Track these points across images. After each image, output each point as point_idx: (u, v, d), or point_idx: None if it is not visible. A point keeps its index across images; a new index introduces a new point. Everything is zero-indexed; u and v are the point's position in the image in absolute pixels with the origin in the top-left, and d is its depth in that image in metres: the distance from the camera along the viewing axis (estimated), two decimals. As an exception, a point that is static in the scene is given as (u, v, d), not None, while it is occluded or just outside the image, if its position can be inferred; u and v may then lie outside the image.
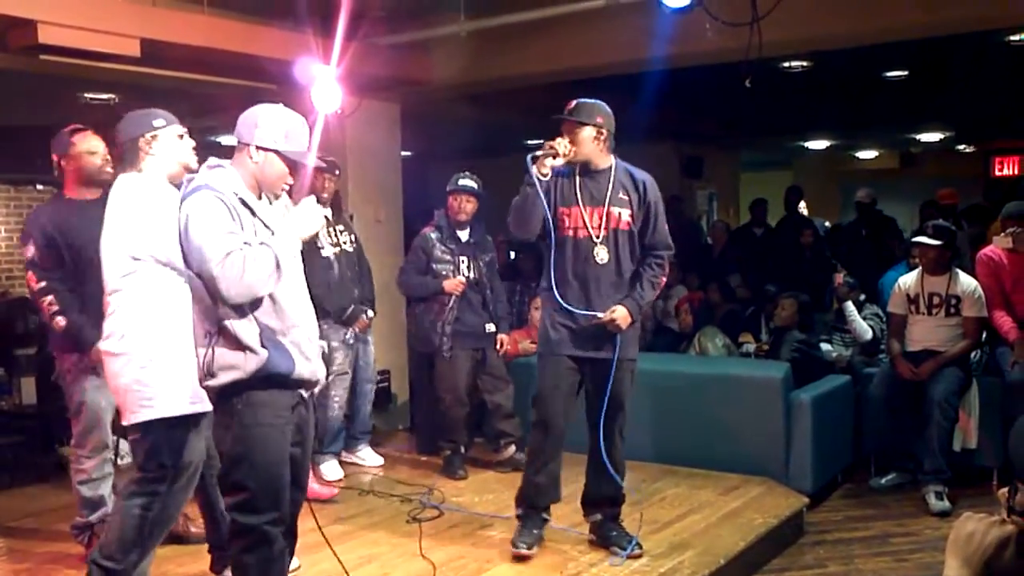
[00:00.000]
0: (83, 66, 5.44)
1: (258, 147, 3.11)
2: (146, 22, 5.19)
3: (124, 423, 3.61)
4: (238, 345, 3.01)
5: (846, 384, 6.27)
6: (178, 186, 3.31)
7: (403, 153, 7.85)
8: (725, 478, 5.56)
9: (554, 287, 4.20)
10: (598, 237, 4.21)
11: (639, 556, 4.30)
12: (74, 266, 4.13)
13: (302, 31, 5.87)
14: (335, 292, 5.53)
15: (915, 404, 5.77)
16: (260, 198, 3.18)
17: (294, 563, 3.79)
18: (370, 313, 5.79)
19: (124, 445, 4.91)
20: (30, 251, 4.14)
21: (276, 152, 3.12)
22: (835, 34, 5.86)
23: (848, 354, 6.82)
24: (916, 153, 16.31)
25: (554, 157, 4.10)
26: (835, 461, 6.06)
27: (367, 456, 6.10)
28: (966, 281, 5.86)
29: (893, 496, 5.85)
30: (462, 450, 5.87)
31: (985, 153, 15.07)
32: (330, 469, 5.70)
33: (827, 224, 11.99)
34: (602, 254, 4.22)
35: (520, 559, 4.31)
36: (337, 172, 5.62)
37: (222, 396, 3.07)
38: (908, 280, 6.06)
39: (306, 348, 3.18)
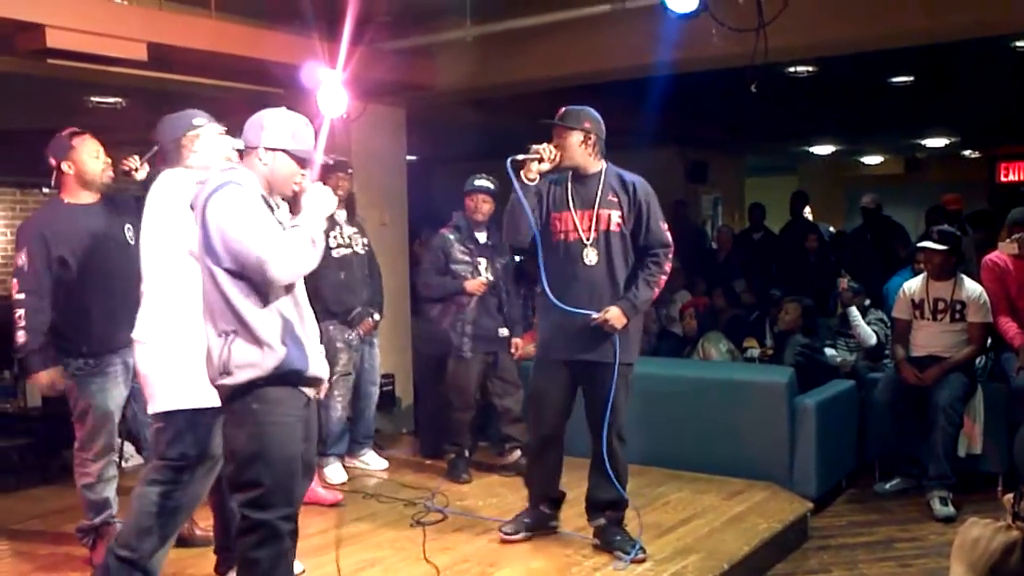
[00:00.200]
0: (90, 70, 5.46)
1: (266, 148, 3.16)
2: (153, 26, 5.21)
3: (149, 411, 3.65)
4: (257, 342, 3.04)
5: (850, 389, 6.27)
6: None
7: (408, 157, 7.87)
8: (729, 483, 5.56)
9: (547, 290, 4.25)
10: (588, 239, 4.28)
11: (643, 561, 4.30)
12: (77, 273, 4.14)
13: (308, 36, 5.88)
14: (342, 293, 5.55)
15: (920, 409, 5.77)
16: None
17: (298, 567, 3.79)
18: (376, 316, 5.80)
19: (128, 448, 4.93)
20: (20, 259, 4.14)
21: (285, 151, 3.17)
22: (840, 40, 5.87)
23: (852, 359, 6.81)
24: (921, 159, 16.32)
25: (539, 161, 4.19)
26: (839, 466, 6.05)
27: (371, 460, 6.10)
28: (971, 287, 5.86)
29: (897, 501, 5.85)
30: (466, 454, 5.88)
31: (991, 159, 15.08)
32: (334, 472, 5.70)
33: (831, 229, 11.99)
34: (591, 256, 4.28)
35: (506, 543, 4.56)
36: (350, 171, 5.63)
37: (236, 394, 3.08)
38: (913, 285, 6.06)
39: (316, 345, 3.25)
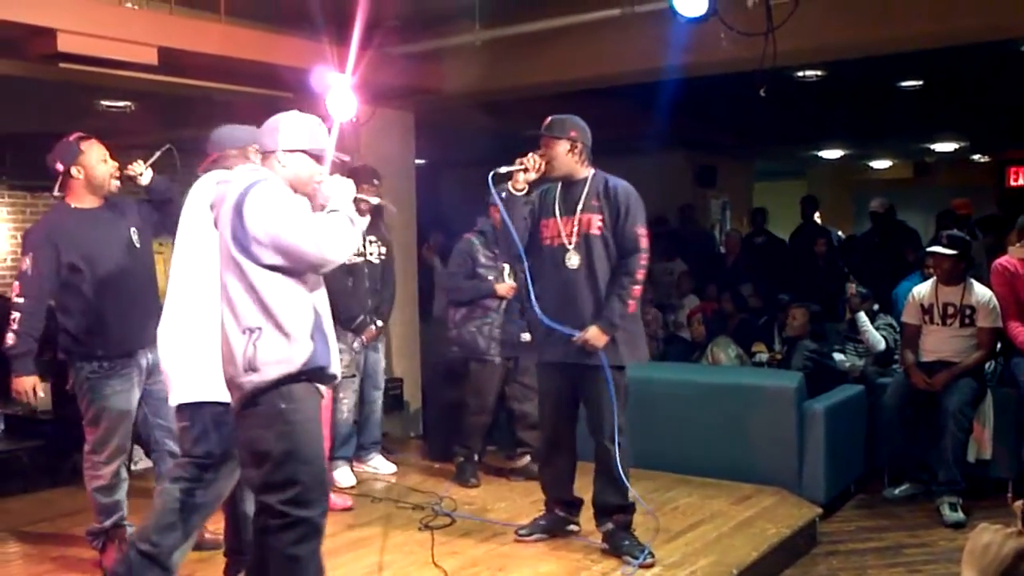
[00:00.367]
0: (100, 74, 5.49)
1: (285, 151, 3.19)
2: (163, 31, 5.23)
3: (173, 402, 3.68)
4: (287, 337, 3.07)
5: (859, 394, 6.26)
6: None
7: (417, 161, 7.88)
8: (738, 488, 5.56)
9: (534, 300, 4.35)
10: (570, 243, 4.36)
11: (651, 565, 4.30)
12: (89, 278, 4.16)
13: (317, 40, 5.90)
14: (347, 300, 5.55)
15: (929, 415, 5.75)
16: None
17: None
18: (379, 323, 5.80)
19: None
20: (25, 264, 4.15)
21: (303, 151, 3.21)
22: (849, 44, 5.86)
23: (861, 364, 6.80)
24: (930, 163, 16.27)
25: (525, 171, 4.32)
26: (848, 471, 6.04)
27: (379, 464, 6.11)
28: (981, 291, 5.84)
29: (906, 507, 5.83)
30: (476, 458, 5.88)
31: (1000, 163, 15.02)
32: (343, 476, 5.71)
33: (840, 234, 11.98)
34: (573, 260, 4.36)
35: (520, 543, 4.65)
36: (376, 182, 5.53)
37: (261, 392, 3.07)
38: (922, 290, 6.04)
39: (335, 343, 3.30)
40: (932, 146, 14.18)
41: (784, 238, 10.85)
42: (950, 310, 5.87)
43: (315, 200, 3.24)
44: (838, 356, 6.81)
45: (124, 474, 4.37)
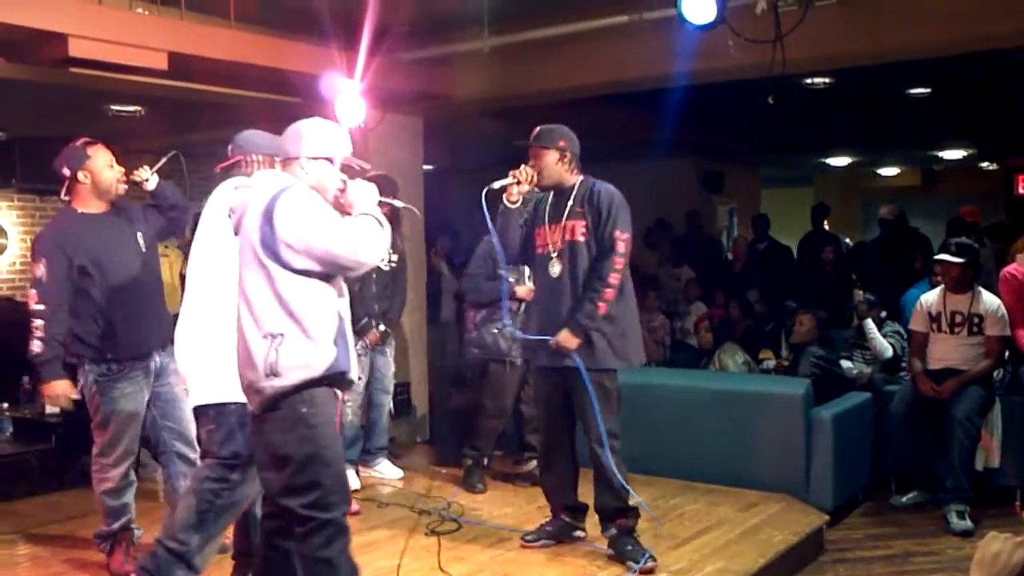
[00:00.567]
0: (110, 79, 5.50)
1: (308, 157, 3.22)
2: (174, 36, 5.25)
3: (194, 404, 3.71)
4: (310, 342, 3.08)
5: (867, 401, 6.25)
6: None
7: (425, 167, 7.89)
8: (744, 494, 5.55)
9: (506, 313, 4.67)
10: (555, 251, 4.44)
11: (651, 571, 4.31)
12: (98, 282, 4.18)
13: (327, 46, 5.92)
14: (353, 304, 5.54)
15: (936, 422, 5.74)
16: None
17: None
18: (382, 327, 5.81)
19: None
20: (39, 270, 4.15)
21: (327, 159, 3.24)
22: (857, 51, 5.86)
23: (869, 371, 6.79)
24: (938, 170, 16.24)
25: (518, 184, 4.39)
26: (855, 479, 6.03)
27: (386, 469, 6.11)
28: (989, 299, 5.83)
29: (914, 515, 5.82)
30: (485, 462, 5.88)
31: (1008, 170, 14.98)
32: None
33: (847, 241, 11.96)
34: (556, 267, 4.44)
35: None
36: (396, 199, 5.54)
37: (282, 397, 3.08)
38: (930, 298, 6.03)
39: (354, 347, 3.32)
40: (940, 153, 14.16)
41: (788, 244, 10.83)
42: (958, 318, 5.85)
43: (338, 207, 3.25)
44: (845, 363, 6.80)
45: (132, 477, 4.39)
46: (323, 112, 5.37)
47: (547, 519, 4.78)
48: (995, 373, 5.94)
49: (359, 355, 5.68)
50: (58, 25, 4.78)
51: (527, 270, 5.78)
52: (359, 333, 5.63)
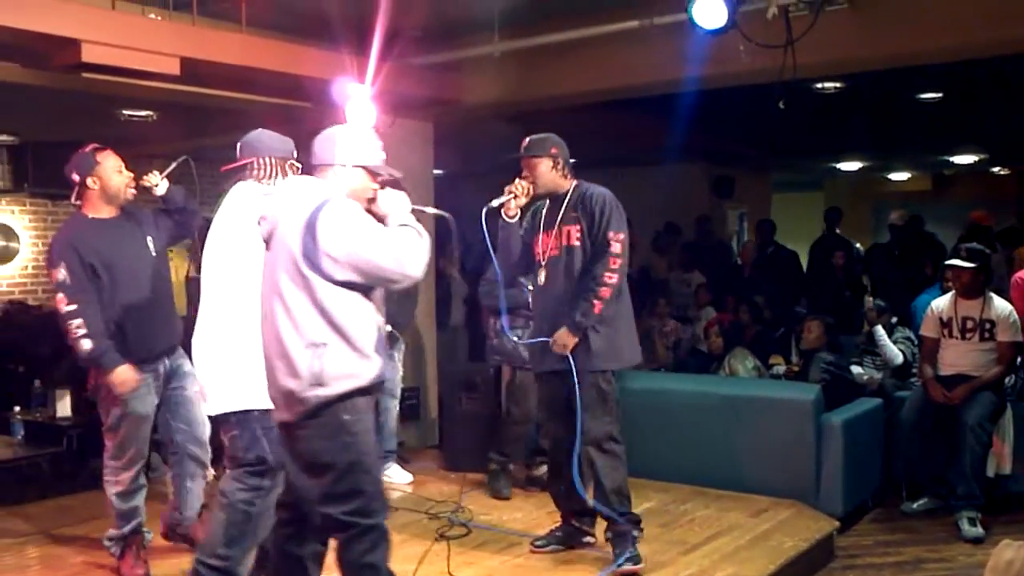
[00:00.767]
0: (123, 84, 5.53)
1: (342, 165, 3.23)
2: (186, 41, 5.28)
3: (213, 412, 3.71)
4: (356, 352, 3.10)
5: (877, 407, 6.22)
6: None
7: (436, 171, 7.90)
8: (754, 500, 5.54)
9: (504, 321, 4.72)
10: (551, 257, 4.49)
11: (629, 573, 4.33)
12: (108, 286, 4.19)
13: (338, 51, 5.93)
14: None
15: (947, 429, 5.71)
16: None
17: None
18: (388, 327, 5.79)
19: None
20: (60, 274, 4.14)
21: (360, 166, 3.24)
22: (868, 56, 5.84)
23: (879, 377, 6.77)
24: (950, 175, 16.19)
25: (515, 198, 4.42)
26: (865, 485, 6.01)
27: (395, 474, 6.12)
28: (1000, 305, 5.80)
29: (925, 521, 5.79)
30: (510, 467, 5.87)
31: (1020, 175, 14.94)
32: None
33: (858, 246, 11.93)
34: (542, 275, 4.52)
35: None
36: None
37: (325, 406, 3.08)
38: (941, 303, 6.01)
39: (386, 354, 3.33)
40: (951, 158, 14.11)
41: (795, 249, 10.80)
42: (969, 324, 5.83)
43: (369, 215, 3.25)
44: (856, 369, 6.78)
45: (143, 480, 4.40)
46: (334, 116, 5.40)
47: (557, 524, 4.78)
48: (1007, 379, 5.91)
49: None
50: (71, 31, 4.81)
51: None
52: None
